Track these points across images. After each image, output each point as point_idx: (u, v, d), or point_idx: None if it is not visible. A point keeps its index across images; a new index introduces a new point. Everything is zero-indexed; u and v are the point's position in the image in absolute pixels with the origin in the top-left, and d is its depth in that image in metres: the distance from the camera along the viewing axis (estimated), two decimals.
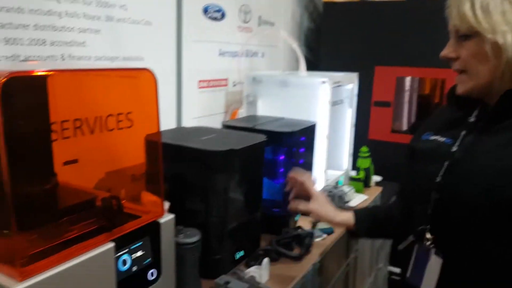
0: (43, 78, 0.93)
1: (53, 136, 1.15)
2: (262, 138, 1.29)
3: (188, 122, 1.81)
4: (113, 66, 1.44)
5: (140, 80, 0.97)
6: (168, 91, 1.71)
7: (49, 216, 0.81)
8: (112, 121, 1.19)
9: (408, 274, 1.07)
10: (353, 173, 2.08)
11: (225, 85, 2.07)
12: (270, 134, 1.44)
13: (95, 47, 1.37)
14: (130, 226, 0.88)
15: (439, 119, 1.10)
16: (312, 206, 1.24)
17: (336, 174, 2.02)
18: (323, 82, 1.73)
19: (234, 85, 2.13)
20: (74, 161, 1.14)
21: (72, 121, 1.21)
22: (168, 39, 1.68)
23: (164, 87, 1.69)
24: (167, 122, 1.71)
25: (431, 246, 1.01)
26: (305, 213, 1.27)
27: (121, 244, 0.85)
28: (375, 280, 2.14)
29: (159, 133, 0.98)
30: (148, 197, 1.03)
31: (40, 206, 0.83)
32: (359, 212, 1.25)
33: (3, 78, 0.68)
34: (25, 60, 1.19)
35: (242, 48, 2.14)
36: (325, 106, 1.73)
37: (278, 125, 1.57)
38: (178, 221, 1.17)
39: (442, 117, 1.10)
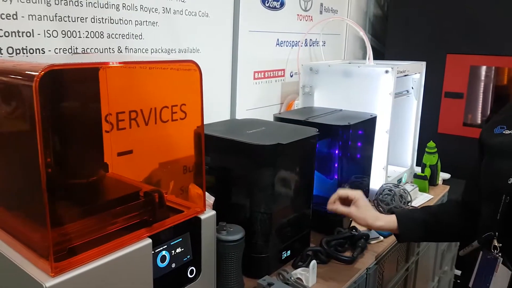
0: (90, 71, 0.94)
1: (108, 127, 1.17)
2: (313, 131, 1.22)
3: (242, 113, 1.77)
4: (163, 58, 1.43)
5: (187, 73, 0.94)
6: (222, 83, 1.69)
7: (88, 210, 0.81)
8: (164, 113, 1.19)
9: (471, 284, 0.96)
10: (418, 170, 1.94)
11: (282, 75, 2.01)
12: (323, 127, 1.37)
13: (152, 39, 1.38)
14: (170, 222, 0.86)
15: None
16: (351, 209, 1.17)
17: (399, 171, 1.89)
18: (386, 71, 1.61)
19: (292, 76, 2.07)
20: (129, 152, 1.16)
21: (128, 113, 1.23)
22: (224, 30, 1.65)
23: (219, 78, 1.67)
24: (221, 114, 1.69)
25: (499, 255, 0.90)
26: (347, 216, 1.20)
27: (160, 240, 0.83)
28: (439, 285, 1.99)
29: (202, 125, 0.94)
30: (196, 191, 1.01)
31: (81, 199, 0.83)
32: (402, 215, 1.16)
33: (41, 71, 0.68)
34: (83, 52, 1.21)
35: (302, 37, 2.06)
36: (387, 97, 1.62)
37: (333, 118, 1.49)
38: (224, 216, 1.14)
39: None
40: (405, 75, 1.77)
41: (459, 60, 2.31)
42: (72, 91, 0.89)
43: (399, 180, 1.82)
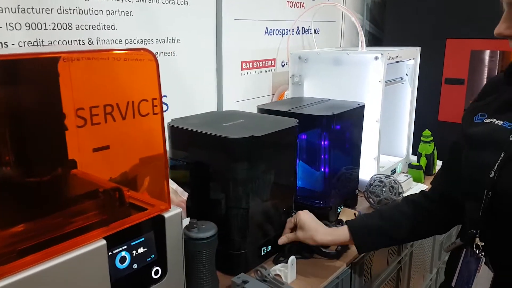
0: (46, 62, 0.90)
1: (80, 122, 1.13)
2: (292, 123, 1.16)
3: (230, 106, 1.73)
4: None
5: (143, 63, 0.89)
6: (207, 74, 1.64)
7: (41, 210, 0.77)
8: (142, 107, 1.14)
9: (453, 283, 0.91)
10: (415, 160, 1.88)
11: (273, 65, 1.96)
12: (307, 118, 1.32)
13: (126, 29, 1.33)
14: (130, 221, 0.82)
15: (495, 98, 0.91)
16: (297, 233, 1.14)
17: (394, 161, 1.84)
18: (376, 58, 1.55)
19: (283, 66, 2.01)
20: (105, 148, 1.12)
21: (102, 107, 1.19)
22: (206, 19, 1.59)
23: (203, 70, 1.63)
24: (206, 107, 1.64)
25: (481, 254, 0.84)
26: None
27: (118, 240, 0.79)
28: (438, 276, 1.94)
29: (162, 119, 0.90)
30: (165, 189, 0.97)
31: (34, 199, 0.79)
32: (354, 226, 1.10)
33: None
34: (50, 45, 1.17)
35: (292, 25, 2.00)
36: (377, 85, 1.56)
37: (319, 108, 1.43)
38: (199, 213, 1.11)
39: (499, 96, 0.90)
40: (398, 61, 1.70)
41: (459, 45, 2.23)
42: (25, 84, 0.85)
43: (393, 171, 1.77)
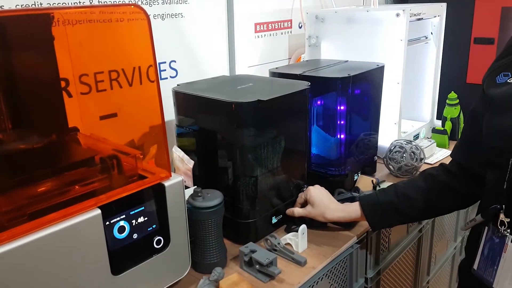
0: (37, 21, 0.86)
1: (84, 89, 1.10)
2: (303, 86, 1.09)
3: (243, 71, 1.66)
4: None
5: (136, 23, 0.83)
6: (218, 38, 1.56)
7: (34, 177, 0.75)
8: (142, 73, 1.11)
9: (475, 266, 0.84)
10: (439, 124, 1.78)
11: (289, 27, 1.86)
12: (321, 80, 1.25)
13: None
14: (127, 190, 0.78)
15: None
16: (307, 208, 1.08)
17: (417, 125, 1.74)
18: (397, 15, 1.44)
19: (300, 27, 1.91)
20: (113, 115, 1.09)
21: (107, 73, 1.15)
22: None
23: (213, 33, 1.55)
24: (218, 72, 1.58)
25: (507, 232, 0.77)
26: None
27: (115, 209, 0.76)
28: (463, 245, 1.87)
29: (158, 85, 0.85)
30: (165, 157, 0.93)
31: (27, 166, 0.76)
32: (366, 202, 1.03)
33: None
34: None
35: None
36: (398, 44, 1.45)
37: (335, 70, 1.35)
38: (207, 180, 1.07)
39: None
40: (420, 19, 1.58)
41: (489, 2, 2.07)
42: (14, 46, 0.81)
43: (416, 136, 1.68)
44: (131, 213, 0.79)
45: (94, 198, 0.74)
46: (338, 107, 1.26)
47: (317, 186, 1.11)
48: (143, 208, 0.80)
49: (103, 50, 1.01)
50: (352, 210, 1.04)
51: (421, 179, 1.01)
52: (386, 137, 1.50)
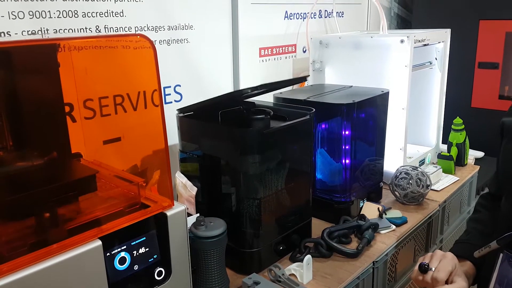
0: (43, 50, 0.86)
1: (88, 113, 1.09)
2: (306, 115, 1.08)
3: None
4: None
5: (142, 51, 0.83)
6: (222, 62, 1.57)
7: (34, 207, 0.73)
8: (149, 98, 1.11)
9: None
10: (445, 149, 1.76)
11: (293, 51, 1.87)
12: (326, 106, 1.24)
13: (135, 16, 1.27)
14: (129, 220, 0.77)
15: None
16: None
17: (423, 150, 1.73)
18: (402, 41, 1.44)
19: (304, 51, 1.92)
20: (116, 140, 1.08)
21: (112, 97, 1.15)
22: (221, 3, 1.52)
23: (218, 57, 1.56)
24: None
25: None
26: None
27: (117, 240, 0.74)
28: None
29: (162, 110, 0.84)
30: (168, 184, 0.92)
31: (27, 195, 0.75)
32: (469, 253, 0.91)
33: None
34: (55, 34, 1.13)
35: (312, 8, 1.90)
36: (403, 70, 1.45)
37: (340, 95, 1.35)
38: (210, 208, 1.05)
39: None
40: (425, 45, 1.59)
41: (494, 27, 2.08)
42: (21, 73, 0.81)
43: (422, 161, 1.66)
44: (133, 243, 0.77)
45: (95, 228, 0.73)
46: (343, 133, 1.25)
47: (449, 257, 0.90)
48: (144, 238, 0.79)
49: (108, 75, 1.01)
50: (468, 269, 0.92)
51: (483, 211, 1.02)
52: (391, 163, 1.48)
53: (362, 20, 2.29)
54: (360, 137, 1.29)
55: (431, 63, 1.72)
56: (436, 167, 1.60)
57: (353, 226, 1.17)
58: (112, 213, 0.77)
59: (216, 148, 1.04)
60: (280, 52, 1.81)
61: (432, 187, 1.47)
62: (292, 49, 1.86)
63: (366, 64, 1.53)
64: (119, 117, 1.10)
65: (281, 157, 1.04)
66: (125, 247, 0.76)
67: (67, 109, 1.01)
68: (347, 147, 1.26)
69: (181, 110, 1.12)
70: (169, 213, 0.81)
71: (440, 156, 1.69)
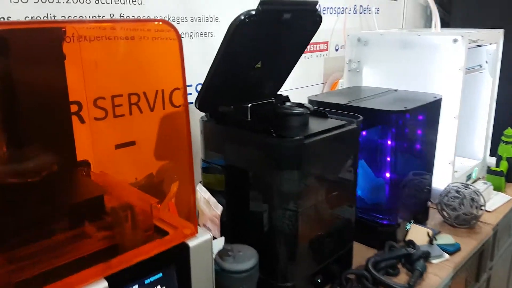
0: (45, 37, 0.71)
1: (100, 114, 0.96)
2: (354, 123, 0.92)
3: None
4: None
5: (165, 42, 0.67)
6: None
7: (24, 236, 0.58)
8: (167, 97, 0.98)
9: None
10: (493, 163, 1.58)
11: (325, 49, 1.70)
12: (371, 113, 1.07)
13: (154, 5, 1.12)
14: (144, 253, 0.61)
15: None
16: None
17: (468, 164, 1.54)
18: (455, 40, 1.27)
19: (337, 50, 1.75)
20: (131, 143, 0.94)
21: (127, 96, 1.01)
22: None
23: None
24: None
25: None
26: None
27: (127, 278, 0.59)
28: None
29: (187, 108, 0.68)
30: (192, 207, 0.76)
31: (16, 218, 0.60)
32: None
33: None
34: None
35: (349, 3, 1.73)
36: (456, 74, 1.27)
37: (385, 100, 1.18)
38: (236, 231, 0.89)
39: None
40: (478, 46, 1.40)
41: None
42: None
43: (469, 176, 1.48)
44: (146, 281, 0.62)
45: (100, 264, 0.57)
46: (389, 144, 1.08)
47: None
48: (161, 275, 0.63)
49: (123, 71, 0.86)
50: None
51: None
52: (438, 179, 1.30)
53: (398, 18, 2.11)
54: (407, 149, 1.12)
55: (481, 67, 1.54)
56: (486, 183, 1.42)
57: (402, 254, 1.00)
58: (121, 243, 0.62)
59: (247, 159, 0.88)
60: (311, 50, 1.64)
61: (485, 208, 1.29)
62: (324, 46, 1.69)
63: (411, 66, 1.36)
64: (134, 118, 0.96)
65: (322, 171, 0.87)
66: (136, 286, 0.60)
67: (74, 108, 0.88)
68: (392, 160, 1.09)
69: (200, 104, 0.94)
70: (191, 243, 0.65)
71: (489, 171, 1.50)
